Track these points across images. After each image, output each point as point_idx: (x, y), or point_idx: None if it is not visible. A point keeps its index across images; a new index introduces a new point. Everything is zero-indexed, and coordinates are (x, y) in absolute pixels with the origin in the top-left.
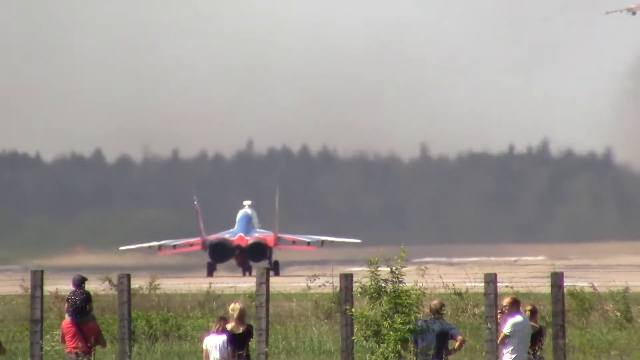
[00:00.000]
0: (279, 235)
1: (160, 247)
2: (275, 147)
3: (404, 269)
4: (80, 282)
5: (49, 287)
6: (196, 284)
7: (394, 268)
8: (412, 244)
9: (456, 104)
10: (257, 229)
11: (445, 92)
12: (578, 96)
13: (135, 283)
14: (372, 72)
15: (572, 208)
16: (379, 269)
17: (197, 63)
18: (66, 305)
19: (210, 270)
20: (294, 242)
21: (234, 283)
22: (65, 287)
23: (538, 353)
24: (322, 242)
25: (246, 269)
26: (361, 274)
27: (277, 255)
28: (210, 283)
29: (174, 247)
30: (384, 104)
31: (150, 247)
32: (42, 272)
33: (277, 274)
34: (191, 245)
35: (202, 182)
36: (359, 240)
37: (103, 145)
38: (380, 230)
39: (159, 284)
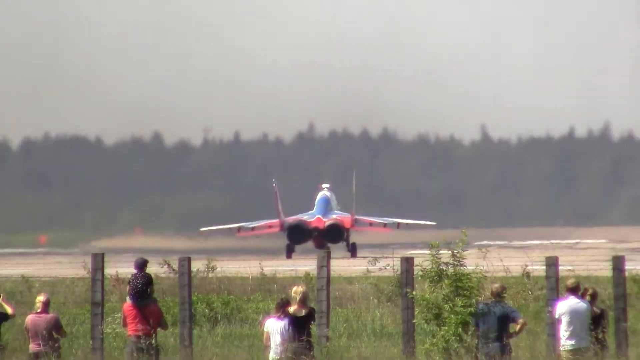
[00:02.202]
0: (356, 217)
1: (239, 229)
2: (336, 129)
3: (464, 252)
4: (142, 265)
5: (110, 270)
6: (255, 267)
7: (455, 251)
8: (473, 227)
9: (517, 87)
10: (336, 211)
11: (506, 75)
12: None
13: (195, 266)
14: (434, 54)
15: (633, 191)
16: (440, 252)
17: (258, 46)
18: (128, 288)
19: (289, 252)
20: (370, 224)
21: (295, 266)
22: (126, 270)
23: (600, 336)
24: (398, 224)
25: None
26: (422, 257)
27: (353, 237)
28: (261, 265)
29: (252, 229)
30: (445, 86)
31: (229, 228)
32: (102, 255)
33: (354, 255)
34: (269, 227)
35: (263, 165)
36: (433, 223)
37: (163, 128)
38: (441, 214)
39: (215, 266)
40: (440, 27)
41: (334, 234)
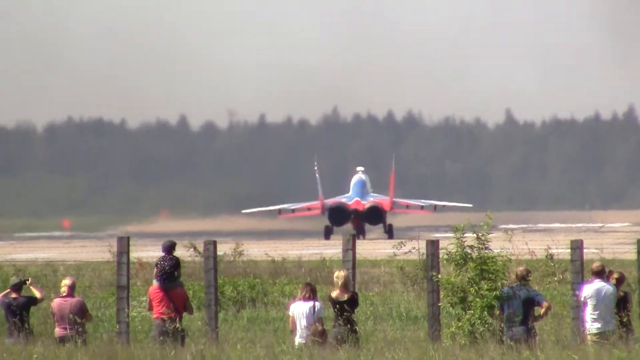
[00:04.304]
0: (394, 199)
1: (280, 211)
2: (361, 113)
3: (489, 235)
4: (170, 248)
5: (136, 254)
6: (284, 250)
7: (480, 234)
8: (498, 210)
9: (542, 70)
10: (372, 194)
11: (531, 58)
12: None
13: (221, 249)
14: (459, 38)
15: None
16: (465, 235)
17: (283, 29)
18: (155, 270)
19: (328, 234)
20: (407, 207)
21: (319, 250)
22: (151, 253)
23: (624, 319)
24: (435, 206)
25: (361, 233)
26: (448, 241)
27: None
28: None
29: (293, 211)
30: (470, 69)
31: (270, 211)
32: (128, 238)
33: (391, 237)
34: (309, 209)
35: (288, 147)
36: (470, 205)
37: (188, 112)
38: (465, 197)
39: (242, 250)
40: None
41: (374, 216)
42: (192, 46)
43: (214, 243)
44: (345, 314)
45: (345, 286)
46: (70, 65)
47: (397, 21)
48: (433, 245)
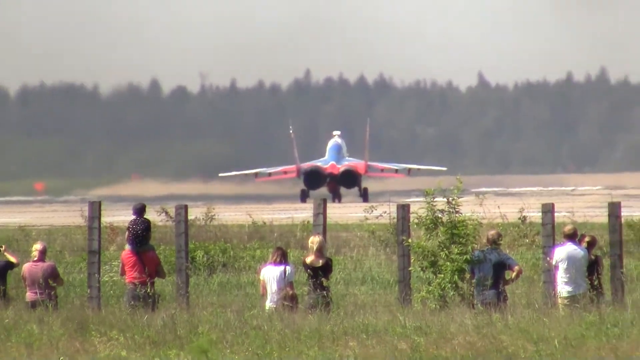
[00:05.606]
0: (369, 163)
1: (256, 175)
2: (332, 76)
3: (460, 199)
4: (140, 210)
5: (108, 218)
6: (258, 214)
7: (450, 198)
8: (470, 173)
9: (513, 32)
10: (347, 158)
11: (503, 21)
12: (635, 26)
13: (193, 214)
14: (428, 3)
15: (630, 137)
16: (436, 199)
17: None
18: (127, 234)
19: (304, 197)
20: (382, 170)
21: (290, 214)
22: (122, 218)
23: (595, 283)
24: (409, 169)
25: (336, 196)
26: (419, 205)
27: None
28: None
29: (269, 174)
30: (440, 33)
31: (246, 174)
32: (99, 203)
33: (365, 200)
34: (285, 172)
35: (260, 112)
36: (444, 168)
37: (159, 76)
38: (437, 160)
39: (214, 215)
40: None
41: (348, 180)
42: (162, 11)
43: (185, 207)
44: (319, 279)
45: (320, 251)
46: (42, 31)
47: None
48: (404, 209)
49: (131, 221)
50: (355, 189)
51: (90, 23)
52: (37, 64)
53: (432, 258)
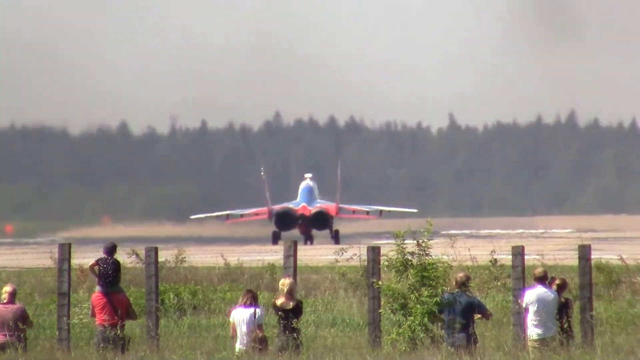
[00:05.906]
0: (340, 205)
1: (227, 216)
2: (303, 118)
3: (431, 241)
4: (112, 249)
5: (77, 260)
6: (229, 255)
7: (420, 241)
8: (440, 215)
9: (485, 75)
10: (318, 200)
11: (474, 64)
12: (603, 69)
13: (163, 256)
14: (399, 43)
15: (599, 180)
16: (406, 241)
17: (224, 35)
18: (96, 268)
19: (275, 239)
20: (353, 212)
21: (261, 256)
22: (92, 260)
23: (565, 325)
24: (381, 211)
25: (308, 238)
26: (389, 247)
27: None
28: (224, 256)
29: (241, 216)
30: (412, 75)
31: (217, 216)
32: (69, 245)
33: (337, 242)
34: (257, 214)
35: (230, 153)
36: (415, 210)
37: (129, 118)
38: (408, 202)
39: (185, 257)
40: (404, 14)
41: (320, 221)
42: (131, 52)
43: (156, 249)
44: (290, 321)
45: (290, 294)
46: (11, 72)
47: (336, 26)
48: (374, 251)
49: (101, 259)
50: (327, 231)
51: (59, 64)
52: (6, 106)
53: (403, 300)
